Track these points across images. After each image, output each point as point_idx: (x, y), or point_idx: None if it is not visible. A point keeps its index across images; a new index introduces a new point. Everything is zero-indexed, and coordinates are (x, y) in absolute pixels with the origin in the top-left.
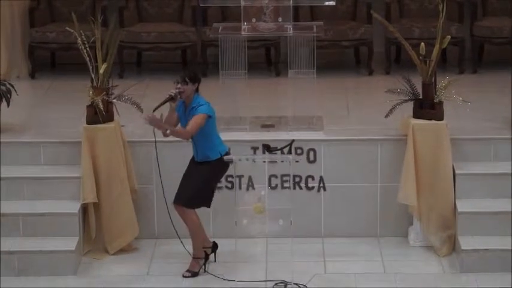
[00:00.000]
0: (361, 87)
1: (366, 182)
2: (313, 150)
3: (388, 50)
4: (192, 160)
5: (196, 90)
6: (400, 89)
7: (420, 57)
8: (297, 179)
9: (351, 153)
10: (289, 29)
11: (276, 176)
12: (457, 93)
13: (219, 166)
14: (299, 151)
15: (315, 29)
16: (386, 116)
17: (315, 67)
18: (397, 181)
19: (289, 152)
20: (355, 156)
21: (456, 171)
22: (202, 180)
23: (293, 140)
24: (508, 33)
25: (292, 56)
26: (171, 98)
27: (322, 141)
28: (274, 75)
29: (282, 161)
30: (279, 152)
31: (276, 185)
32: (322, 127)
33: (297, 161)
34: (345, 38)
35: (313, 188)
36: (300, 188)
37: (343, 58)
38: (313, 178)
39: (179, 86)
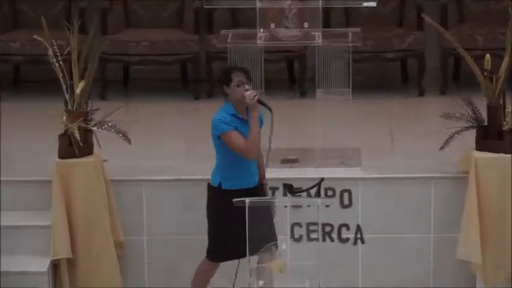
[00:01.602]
0: (410, 111)
1: (415, 233)
2: (348, 191)
3: (444, 64)
4: None
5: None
6: (459, 114)
7: (485, 73)
8: (328, 229)
9: (396, 196)
10: (318, 36)
11: (300, 225)
12: None
13: (217, 199)
14: (330, 193)
15: (350, 37)
16: (442, 147)
17: (351, 86)
18: (456, 231)
19: (318, 194)
20: (401, 200)
21: None
22: (208, 219)
23: (322, 179)
24: None
25: (322, 71)
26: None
27: (360, 180)
28: (299, 96)
29: (309, 206)
30: (305, 194)
31: (301, 236)
32: (360, 162)
33: (327, 206)
34: (389, 49)
35: (348, 239)
36: (332, 239)
37: (386, 74)
38: (348, 227)
39: (248, 86)
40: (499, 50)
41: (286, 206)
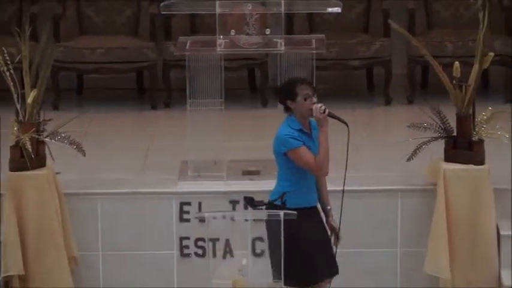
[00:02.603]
0: (376, 121)
1: (382, 247)
2: None
3: (412, 72)
4: None
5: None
6: (427, 123)
7: (454, 81)
8: None
9: (361, 209)
10: (280, 43)
11: (262, 240)
12: (502, 128)
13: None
14: None
15: (314, 44)
16: (409, 159)
17: (315, 94)
18: (423, 245)
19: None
20: (367, 213)
21: (502, 233)
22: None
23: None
24: None
25: (284, 79)
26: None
27: None
28: (260, 105)
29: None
30: (266, 207)
31: (262, 252)
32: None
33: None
34: (354, 56)
35: None
36: None
37: (352, 82)
38: None
39: (315, 99)
40: (469, 57)
41: (247, 220)
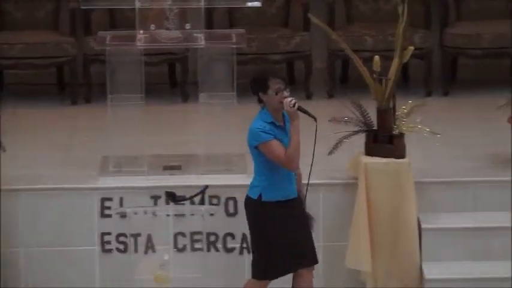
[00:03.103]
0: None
1: None
2: (234, 199)
3: (332, 66)
4: None
5: None
6: (348, 118)
7: (374, 75)
8: (212, 238)
9: None
10: (201, 38)
11: (184, 235)
12: (423, 122)
13: (258, 213)
14: (215, 201)
15: (234, 39)
16: (330, 153)
17: (235, 89)
18: (344, 239)
19: (202, 203)
20: None
21: (422, 226)
22: (253, 235)
23: (206, 186)
24: (488, 43)
25: (205, 74)
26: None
27: (246, 187)
28: (181, 100)
29: (192, 214)
30: (188, 202)
31: (185, 246)
32: (245, 169)
33: (211, 214)
34: (274, 51)
35: (233, 249)
36: (217, 249)
37: None
38: (233, 236)
39: (287, 93)
40: (389, 51)
41: (168, 215)
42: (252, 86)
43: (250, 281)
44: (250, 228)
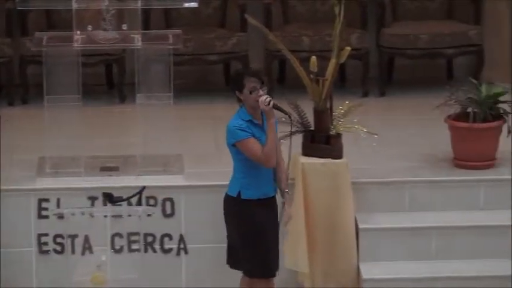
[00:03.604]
0: None
1: None
2: (171, 200)
3: (269, 67)
4: None
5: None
6: (285, 118)
7: (311, 76)
8: (150, 239)
9: (220, 204)
10: (137, 39)
11: (121, 236)
12: (359, 122)
13: (237, 210)
14: (152, 202)
15: (171, 40)
16: None
17: (172, 90)
18: (282, 240)
19: (139, 203)
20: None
21: (359, 226)
22: (237, 235)
23: (144, 187)
24: (425, 43)
25: (142, 75)
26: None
27: (183, 188)
28: (118, 101)
29: (129, 215)
30: (125, 203)
31: (122, 247)
32: (183, 169)
33: (149, 215)
34: (211, 51)
35: (171, 250)
36: (154, 250)
37: (209, 77)
38: (170, 237)
39: (263, 91)
40: (326, 51)
41: (106, 216)
42: (231, 84)
43: (258, 282)
44: (229, 226)
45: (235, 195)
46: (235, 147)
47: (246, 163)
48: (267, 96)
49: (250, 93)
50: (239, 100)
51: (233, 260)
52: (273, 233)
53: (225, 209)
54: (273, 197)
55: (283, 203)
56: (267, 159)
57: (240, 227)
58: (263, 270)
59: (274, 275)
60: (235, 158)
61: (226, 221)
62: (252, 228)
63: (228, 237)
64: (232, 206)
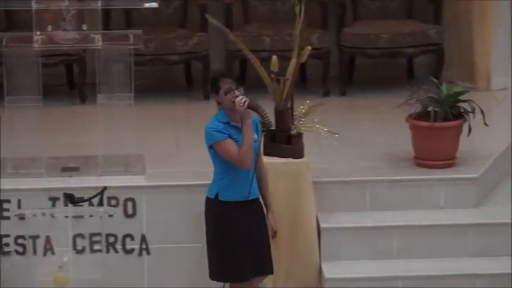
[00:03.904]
0: (195, 116)
1: (202, 242)
2: (132, 200)
3: (230, 66)
4: None
5: None
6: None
7: (272, 75)
8: (111, 239)
9: (182, 204)
10: (98, 39)
11: (83, 236)
12: (320, 122)
13: (215, 212)
14: (113, 202)
15: (131, 40)
16: None
17: (133, 90)
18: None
19: (100, 204)
20: (187, 208)
21: (321, 225)
22: (212, 237)
23: (105, 188)
24: (385, 42)
25: (102, 75)
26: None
27: (144, 188)
28: (79, 102)
29: (91, 216)
30: (87, 203)
31: (84, 248)
32: (144, 170)
33: (110, 216)
34: (172, 51)
35: (132, 250)
36: (116, 251)
37: (170, 77)
38: (132, 238)
39: (238, 92)
40: (286, 51)
41: (67, 217)
42: (209, 88)
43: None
44: (208, 227)
45: (213, 197)
46: (212, 149)
47: (223, 165)
48: (242, 97)
49: (226, 94)
50: (218, 103)
51: None
52: (246, 238)
53: (205, 210)
54: (255, 202)
55: (267, 215)
56: (242, 160)
57: (211, 226)
58: (222, 274)
59: (237, 281)
60: (214, 160)
61: (205, 222)
62: (220, 229)
63: (207, 237)
64: (211, 208)
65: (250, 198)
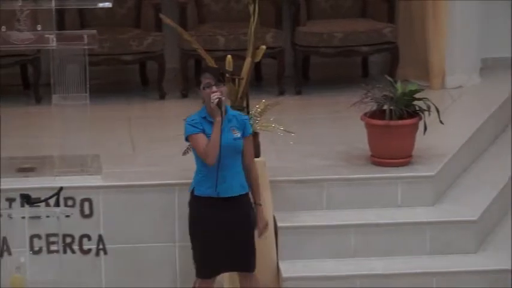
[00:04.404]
0: (151, 116)
1: (160, 241)
2: (89, 200)
3: (185, 66)
4: None
5: None
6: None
7: (227, 75)
8: (68, 240)
9: (138, 204)
10: (52, 39)
11: (39, 237)
12: (276, 121)
13: (191, 206)
14: (70, 202)
15: (86, 40)
16: (184, 153)
17: (88, 90)
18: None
19: (57, 204)
20: (144, 208)
21: (278, 224)
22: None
23: (61, 188)
24: (339, 41)
25: (57, 76)
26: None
27: (100, 188)
28: (34, 102)
29: (48, 216)
30: (43, 204)
31: (41, 249)
32: (100, 170)
33: (67, 216)
34: (126, 51)
35: (90, 250)
36: (73, 251)
37: (125, 77)
38: (89, 238)
39: (215, 88)
40: (241, 50)
41: (24, 217)
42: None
43: (195, 281)
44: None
45: (190, 191)
46: (188, 142)
47: (198, 160)
48: (216, 94)
49: (204, 89)
50: (203, 98)
51: None
52: (216, 235)
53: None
54: (233, 200)
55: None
56: (207, 155)
57: (189, 222)
58: (196, 269)
59: (206, 277)
60: (194, 154)
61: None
62: (192, 225)
63: None
64: (189, 202)
65: (222, 196)
